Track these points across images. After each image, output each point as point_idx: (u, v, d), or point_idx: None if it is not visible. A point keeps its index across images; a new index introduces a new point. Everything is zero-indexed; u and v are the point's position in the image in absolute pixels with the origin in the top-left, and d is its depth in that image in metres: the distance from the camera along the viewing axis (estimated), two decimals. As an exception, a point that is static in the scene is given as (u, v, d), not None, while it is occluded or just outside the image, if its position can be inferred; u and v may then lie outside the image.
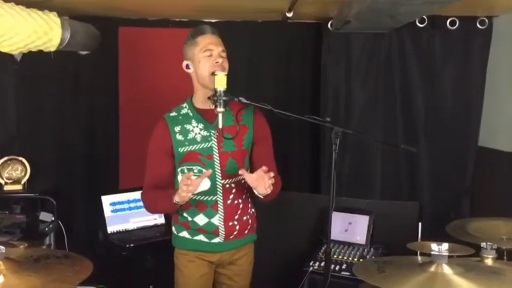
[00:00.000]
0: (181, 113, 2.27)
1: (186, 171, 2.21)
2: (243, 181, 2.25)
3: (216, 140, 2.22)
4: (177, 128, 2.23)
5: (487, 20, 3.17)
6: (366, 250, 2.95)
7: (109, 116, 3.56)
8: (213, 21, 3.52)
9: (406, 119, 3.36)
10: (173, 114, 2.27)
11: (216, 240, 2.26)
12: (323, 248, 2.96)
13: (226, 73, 2.11)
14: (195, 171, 2.19)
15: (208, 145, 2.22)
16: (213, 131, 2.20)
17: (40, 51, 2.81)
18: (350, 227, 3.08)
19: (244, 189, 2.29)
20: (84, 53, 3.31)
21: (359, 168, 3.41)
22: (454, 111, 3.33)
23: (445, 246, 1.45)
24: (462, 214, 3.27)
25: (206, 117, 2.23)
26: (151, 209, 2.35)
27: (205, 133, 2.22)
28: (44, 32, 2.64)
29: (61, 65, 3.35)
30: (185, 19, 3.52)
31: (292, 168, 3.57)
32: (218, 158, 2.22)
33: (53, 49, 2.78)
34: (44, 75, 3.41)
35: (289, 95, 3.56)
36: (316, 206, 3.29)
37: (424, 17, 3.14)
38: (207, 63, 2.16)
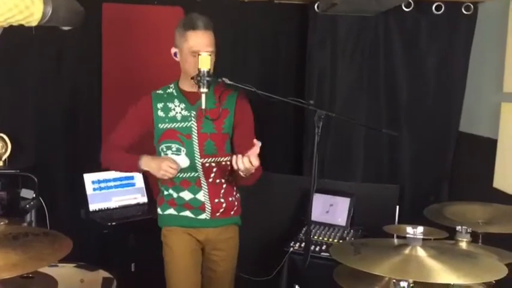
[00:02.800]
0: (167, 91, 2.33)
1: (164, 149, 2.26)
2: (223, 163, 2.29)
3: (195, 120, 2.25)
4: (160, 105, 2.28)
5: (472, 6, 3.19)
6: (346, 232, 3.00)
7: (92, 93, 3.52)
8: (198, 0, 3.48)
9: (389, 102, 3.38)
10: (159, 92, 2.34)
11: (203, 216, 2.30)
12: (304, 229, 3.01)
13: (209, 53, 2.09)
14: (173, 149, 2.24)
15: (188, 124, 2.25)
16: (194, 112, 2.24)
17: (21, 26, 2.75)
18: (331, 209, 3.13)
19: (226, 171, 2.31)
20: (66, 28, 3.25)
21: (341, 151, 3.45)
22: (436, 96, 3.36)
23: (419, 229, 1.49)
24: (441, 198, 3.33)
25: (189, 98, 2.28)
26: (111, 165, 2.42)
27: (185, 113, 2.26)
28: (26, 6, 2.58)
29: (43, 40, 3.28)
30: (171, -4, 3.47)
31: (275, 150, 3.58)
32: (197, 138, 2.25)
33: (34, 24, 2.71)
34: (25, 51, 3.34)
35: (274, 76, 3.55)
36: (298, 188, 3.31)
37: (410, 1, 3.14)
38: (193, 63, 2.16)
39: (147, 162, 2.24)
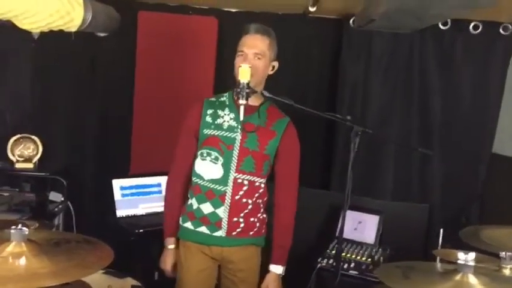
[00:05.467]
0: (220, 99, 2.30)
1: (205, 155, 2.23)
2: (257, 183, 2.25)
3: (240, 133, 2.21)
4: (210, 111, 2.26)
5: (510, 26, 3.15)
6: (374, 250, 2.95)
7: (123, 100, 3.54)
8: (232, 10, 3.50)
9: (422, 120, 3.34)
10: (212, 99, 2.31)
11: (218, 233, 2.23)
12: (331, 245, 2.97)
13: (250, 65, 2.09)
14: (212, 156, 2.21)
15: (233, 136, 2.22)
16: (241, 125, 2.20)
17: (59, 31, 2.78)
18: (359, 226, 3.08)
19: (257, 193, 2.27)
20: (102, 35, 3.28)
21: (371, 167, 3.40)
22: (470, 116, 3.31)
23: (471, 255, 1.44)
24: (471, 220, 3.27)
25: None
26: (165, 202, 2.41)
27: (233, 123, 2.22)
28: (67, 11, 2.60)
29: (78, 45, 3.30)
30: (205, 6, 3.48)
31: (303, 163, 3.54)
32: (238, 151, 2.21)
33: (73, 29, 2.74)
34: (60, 55, 3.38)
35: (305, 90, 3.54)
36: (326, 203, 3.29)
37: (448, 20, 3.11)
38: (238, 62, 2.17)
39: (165, 246, 2.36)
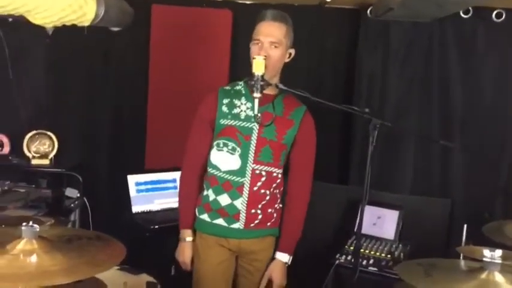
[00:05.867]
0: (235, 88, 2.24)
1: (221, 145, 2.18)
2: (274, 174, 2.21)
3: (258, 124, 2.16)
4: (226, 101, 2.20)
5: (535, 14, 3.03)
6: (394, 246, 2.88)
7: (138, 95, 3.52)
8: (247, 2, 3.45)
9: (442, 111, 3.24)
10: (227, 88, 2.26)
11: (236, 225, 2.20)
12: (350, 240, 2.91)
13: (264, 57, 2.03)
14: (229, 147, 2.16)
15: (250, 125, 2.17)
16: (259, 114, 2.10)
17: (72, 26, 2.77)
18: (378, 221, 3.01)
19: (275, 183, 2.23)
20: (116, 29, 3.26)
21: (390, 161, 3.32)
22: (493, 107, 3.20)
23: (498, 252, 1.37)
24: (495, 214, 3.17)
25: None
26: (179, 197, 2.36)
27: (250, 113, 2.17)
28: (79, 5, 2.58)
29: (92, 40, 3.30)
30: (220, -1, 3.44)
31: (319, 157, 3.47)
32: (255, 141, 2.17)
33: (86, 24, 2.72)
34: (74, 50, 3.38)
35: (322, 82, 3.47)
36: (344, 197, 3.22)
37: (469, 7, 3.00)
38: (253, 52, 2.11)
39: (181, 238, 2.31)
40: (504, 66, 3.15)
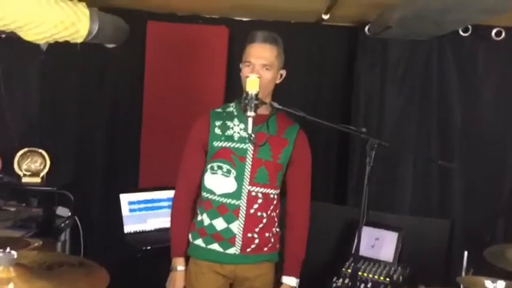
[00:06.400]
0: (227, 110, 2.20)
1: (215, 168, 2.12)
2: (271, 195, 2.15)
3: (252, 144, 2.10)
4: (218, 123, 2.16)
5: (535, 32, 3.00)
6: (392, 269, 2.80)
7: (132, 112, 3.46)
8: (244, 19, 3.42)
9: (441, 131, 3.20)
10: (219, 110, 2.21)
11: (232, 250, 2.12)
12: (347, 263, 2.83)
13: (258, 76, 1.98)
14: (224, 170, 2.11)
15: (244, 147, 2.12)
16: (253, 135, 2.03)
17: (66, 42, 2.73)
18: (377, 243, 2.94)
19: (272, 205, 2.17)
20: (110, 46, 3.22)
21: (388, 181, 3.26)
22: (492, 126, 3.16)
23: (500, 284, 1.30)
24: (496, 237, 3.10)
25: None
26: (171, 224, 2.28)
27: (244, 134, 2.12)
28: (72, 22, 2.55)
29: (86, 57, 3.27)
30: (216, 16, 3.41)
31: (316, 177, 3.41)
32: (251, 163, 2.11)
33: (79, 40, 2.69)
34: (68, 67, 3.34)
35: (318, 100, 3.42)
36: (342, 218, 3.15)
37: (468, 25, 2.97)
38: (245, 73, 2.07)
39: (173, 267, 2.22)
40: (504, 85, 3.12)
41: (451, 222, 3.11)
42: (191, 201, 2.21)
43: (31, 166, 3.21)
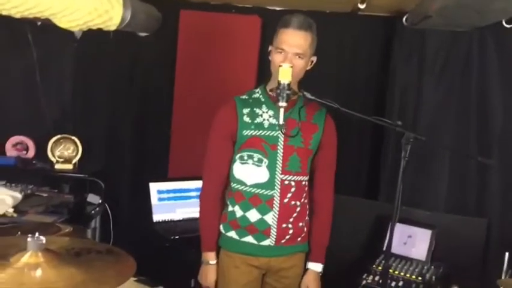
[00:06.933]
0: (253, 96, 2.13)
1: (245, 158, 2.07)
2: (303, 182, 2.10)
3: (283, 135, 2.06)
4: (246, 110, 2.09)
5: None
6: (425, 267, 2.71)
7: (163, 102, 3.46)
8: (277, 9, 3.36)
9: (480, 126, 3.06)
10: (244, 97, 2.14)
11: (266, 242, 2.09)
12: (378, 260, 2.76)
13: (291, 65, 1.92)
14: (255, 159, 2.06)
15: (275, 134, 2.06)
16: (284, 126, 2.00)
17: (100, 30, 2.73)
18: (409, 240, 2.85)
19: (304, 193, 2.13)
20: (143, 34, 3.22)
21: (423, 177, 3.16)
22: (535, 123, 3.00)
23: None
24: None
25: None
26: (200, 217, 2.23)
27: (273, 121, 2.07)
28: (105, 10, 2.55)
29: (119, 45, 3.28)
30: (249, 5, 3.36)
31: (348, 171, 3.35)
32: (282, 150, 2.06)
33: (113, 28, 2.69)
34: (101, 55, 3.36)
35: (352, 92, 3.34)
36: (373, 213, 3.08)
37: (512, 16, 2.83)
38: (276, 60, 2.01)
39: (204, 261, 2.19)
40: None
41: (488, 221, 2.99)
42: (220, 193, 2.17)
43: (64, 153, 3.25)
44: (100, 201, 3.20)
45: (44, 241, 1.34)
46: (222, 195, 2.19)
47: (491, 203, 3.09)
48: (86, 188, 3.24)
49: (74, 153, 3.26)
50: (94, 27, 2.65)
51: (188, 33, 3.39)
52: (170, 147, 3.46)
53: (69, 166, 3.24)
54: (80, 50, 3.33)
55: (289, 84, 1.89)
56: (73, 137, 3.25)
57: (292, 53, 1.99)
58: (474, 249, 2.92)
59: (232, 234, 2.13)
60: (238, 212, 2.11)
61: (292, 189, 2.08)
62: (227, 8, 3.37)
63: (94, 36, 2.86)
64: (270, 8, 3.35)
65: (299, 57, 2.00)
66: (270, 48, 2.09)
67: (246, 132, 2.07)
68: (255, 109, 2.09)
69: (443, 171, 3.12)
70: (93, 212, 3.14)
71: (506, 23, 2.87)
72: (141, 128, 3.46)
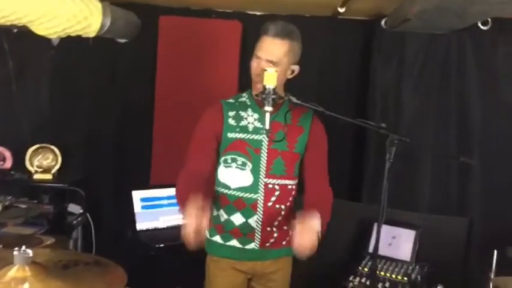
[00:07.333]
0: (240, 100, 2.13)
1: (229, 161, 2.06)
2: (289, 186, 2.10)
3: (268, 139, 2.06)
4: (232, 113, 2.09)
5: (557, 25, 2.91)
6: (410, 268, 2.73)
7: (144, 108, 3.41)
8: (257, 13, 3.36)
9: (460, 127, 3.12)
10: (231, 100, 2.14)
11: (251, 246, 2.09)
12: (363, 262, 2.77)
13: (276, 69, 1.92)
14: (239, 162, 2.05)
15: (259, 138, 2.06)
16: (269, 131, 1.96)
17: (78, 37, 2.69)
18: (394, 241, 2.87)
19: (291, 196, 2.12)
20: (122, 41, 3.18)
21: (405, 178, 3.19)
22: (512, 123, 3.08)
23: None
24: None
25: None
26: (178, 194, 2.00)
27: (258, 124, 2.07)
28: (84, 16, 2.51)
29: (98, 52, 3.22)
30: (229, 10, 3.35)
31: (331, 173, 3.36)
32: (266, 154, 2.06)
33: (92, 35, 2.65)
34: (80, 62, 3.29)
35: (333, 95, 3.36)
36: (356, 216, 3.09)
37: (488, 18, 2.89)
38: (252, 66, 2.04)
39: (187, 206, 1.81)
40: (525, 79, 3.03)
41: (470, 220, 3.04)
42: (201, 179, 1.96)
43: (42, 162, 3.18)
44: (81, 211, 3.14)
45: (31, 254, 1.30)
46: (206, 184, 2.00)
47: (472, 202, 3.15)
48: (66, 198, 3.18)
49: (53, 163, 3.19)
50: (73, 34, 2.60)
51: (168, 39, 3.35)
52: (152, 154, 3.41)
53: (49, 176, 3.17)
54: (57, 58, 3.26)
55: (274, 89, 1.89)
56: (52, 146, 3.18)
57: (265, 60, 1.99)
58: (457, 248, 2.96)
59: (217, 238, 2.14)
60: (223, 216, 2.11)
61: (277, 193, 2.07)
62: (207, 13, 3.35)
63: (72, 43, 2.81)
64: (250, 12, 3.35)
65: (274, 65, 1.98)
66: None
67: (230, 135, 2.07)
68: (240, 112, 2.09)
69: (425, 172, 3.16)
70: (74, 222, 3.08)
71: (482, 25, 2.94)
72: (122, 135, 3.41)
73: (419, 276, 2.65)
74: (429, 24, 2.65)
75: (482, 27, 2.94)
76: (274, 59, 1.99)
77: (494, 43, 3.02)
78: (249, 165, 2.05)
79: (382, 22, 3.04)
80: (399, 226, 2.87)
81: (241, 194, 2.07)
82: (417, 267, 2.74)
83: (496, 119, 3.09)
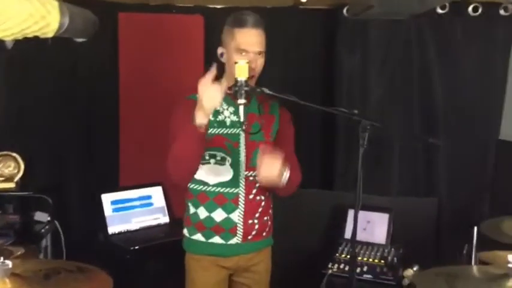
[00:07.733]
0: None
1: (207, 158, 2.02)
2: None
3: (244, 131, 2.04)
4: None
5: (510, 6, 3.01)
6: (386, 250, 2.79)
7: (108, 108, 3.31)
8: (218, 7, 3.31)
9: (424, 110, 3.20)
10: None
11: (233, 240, 2.08)
12: (340, 248, 2.80)
13: (248, 61, 1.90)
14: (218, 158, 2.03)
15: (236, 131, 2.05)
16: (245, 124, 1.95)
17: (34, 38, 2.57)
18: (368, 226, 2.92)
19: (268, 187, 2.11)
20: (80, 40, 3.06)
21: (374, 163, 3.23)
22: (474, 102, 3.18)
23: (523, 257, 1.28)
24: (482, 211, 3.13)
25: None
26: (174, 165, 1.91)
27: (235, 118, 2.05)
28: (42, 15, 2.39)
29: (56, 53, 3.09)
30: (190, 4, 3.30)
31: (301, 162, 3.37)
32: (245, 147, 2.06)
33: (50, 35, 2.53)
34: (37, 64, 3.14)
35: (299, 85, 3.35)
36: (329, 203, 3.13)
37: (446, 3, 2.96)
38: (240, 61, 1.94)
39: (197, 113, 1.83)
40: (483, 60, 3.13)
41: (438, 200, 3.13)
42: None
43: (4, 171, 3.04)
44: (49, 218, 3.02)
45: (11, 265, 1.23)
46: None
47: (440, 181, 3.23)
48: (32, 206, 3.05)
49: (16, 171, 3.05)
50: (31, 35, 2.48)
51: (129, 37, 3.27)
52: (119, 155, 3.33)
53: (11, 185, 3.03)
54: (14, 61, 3.11)
55: (246, 81, 1.87)
56: (13, 154, 3.04)
57: (254, 53, 1.98)
58: (429, 228, 3.06)
59: (199, 236, 2.11)
60: (202, 214, 2.08)
61: (257, 185, 2.07)
62: (167, 8, 3.28)
63: (27, 44, 2.68)
64: (211, 6, 3.30)
65: (260, 55, 2.00)
66: (221, 50, 2.06)
67: (210, 131, 2.02)
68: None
69: (393, 155, 3.22)
70: (42, 230, 2.96)
71: (440, 9, 3.01)
72: (87, 138, 3.30)
73: (395, 258, 2.71)
74: (391, 9, 2.69)
75: (439, 10, 3.02)
76: (262, 49, 2.00)
77: (451, 26, 3.09)
78: (229, 159, 2.04)
79: (344, 10, 3.07)
80: (372, 210, 2.93)
81: (221, 190, 2.05)
82: (392, 249, 2.80)
83: (457, 100, 3.17)
